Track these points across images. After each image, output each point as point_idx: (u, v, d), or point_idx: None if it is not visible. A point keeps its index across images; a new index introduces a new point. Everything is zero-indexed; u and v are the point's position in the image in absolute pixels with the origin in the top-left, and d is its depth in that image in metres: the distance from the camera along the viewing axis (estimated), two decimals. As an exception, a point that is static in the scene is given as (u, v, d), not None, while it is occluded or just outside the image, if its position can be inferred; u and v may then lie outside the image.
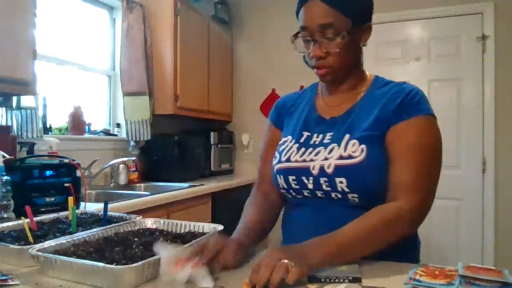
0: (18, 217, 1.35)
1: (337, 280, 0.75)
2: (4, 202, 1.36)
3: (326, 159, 0.97)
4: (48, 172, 1.54)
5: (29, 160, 1.59)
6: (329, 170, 0.96)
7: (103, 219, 1.17)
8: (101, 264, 0.75)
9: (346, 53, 0.98)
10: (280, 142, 1.12)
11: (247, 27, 3.79)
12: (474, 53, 3.05)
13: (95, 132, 2.74)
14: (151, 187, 2.71)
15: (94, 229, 1.03)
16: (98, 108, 2.93)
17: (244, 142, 3.77)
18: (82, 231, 1.03)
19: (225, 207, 2.77)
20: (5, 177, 1.37)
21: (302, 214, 1.05)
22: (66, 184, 1.55)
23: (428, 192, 0.94)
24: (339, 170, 0.95)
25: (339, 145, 0.98)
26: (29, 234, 0.96)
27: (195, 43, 3.14)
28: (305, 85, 1.24)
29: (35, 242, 0.93)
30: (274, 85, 3.64)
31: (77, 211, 1.23)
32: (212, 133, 3.38)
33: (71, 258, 0.79)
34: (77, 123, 2.52)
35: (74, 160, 1.65)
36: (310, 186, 1.00)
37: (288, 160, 1.04)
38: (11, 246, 0.91)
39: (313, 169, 0.98)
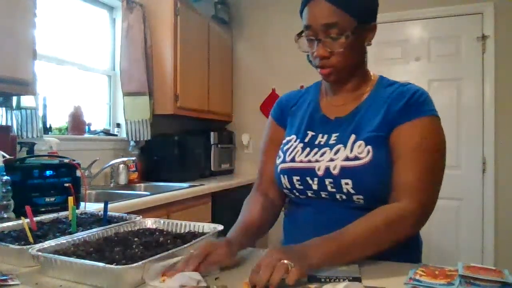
0: (18, 217, 1.35)
1: (337, 280, 0.75)
2: (4, 202, 1.36)
3: (332, 160, 0.97)
4: (48, 172, 1.54)
5: (29, 160, 1.59)
6: (335, 171, 0.95)
7: (103, 219, 1.17)
8: (101, 264, 0.75)
9: (350, 53, 0.97)
10: (284, 141, 1.11)
11: (247, 27, 3.79)
12: (474, 53, 3.05)
13: (95, 132, 2.74)
14: (151, 187, 2.71)
15: (94, 229, 1.03)
16: (98, 108, 2.93)
17: (244, 142, 3.77)
18: (82, 231, 1.03)
19: (225, 207, 2.77)
20: (5, 177, 1.37)
21: (304, 214, 1.04)
22: (66, 184, 1.55)
23: (431, 193, 0.93)
24: (345, 172, 0.94)
25: (345, 146, 0.97)
26: (29, 234, 0.96)
27: (195, 43, 3.14)
28: (305, 85, 1.24)
29: (35, 242, 0.93)
30: (274, 85, 3.64)
31: (77, 211, 1.23)
32: (212, 133, 3.38)
33: (71, 258, 0.79)
34: (77, 123, 2.52)
35: (74, 160, 1.65)
36: (315, 186, 0.99)
37: (292, 160, 1.03)
38: (11, 246, 0.90)
39: (318, 170, 0.98)
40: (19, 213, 1.36)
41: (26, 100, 2.04)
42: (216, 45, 3.47)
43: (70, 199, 1.16)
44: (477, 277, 0.73)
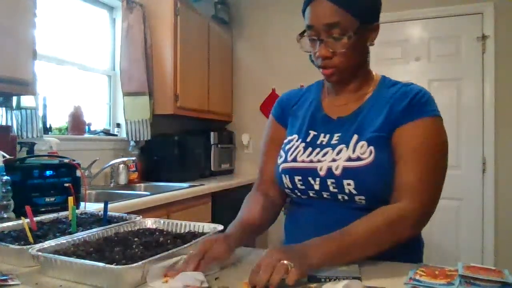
0: (18, 217, 1.36)
1: (337, 280, 0.75)
2: (4, 202, 1.36)
3: (334, 160, 0.97)
4: (48, 172, 1.54)
5: (29, 160, 1.59)
6: (337, 172, 0.95)
7: (103, 219, 1.17)
8: (101, 264, 0.75)
9: (352, 53, 0.97)
10: (285, 141, 1.10)
11: (247, 27, 3.79)
12: (474, 53, 3.05)
13: (95, 132, 2.74)
14: (151, 187, 2.71)
15: (94, 229, 1.03)
16: (98, 108, 2.93)
17: (244, 142, 3.77)
18: (82, 231, 1.03)
19: (225, 207, 2.77)
20: (5, 177, 1.37)
21: (306, 214, 1.04)
22: (66, 184, 1.55)
23: (433, 194, 0.93)
24: (347, 172, 0.94)
25: (347, 147, 0.97)
26: (29, 234, 0.96)
27: (195, 43, 3.14)
28: (305, 85, 1.23)
29: (35, 242, 0.93)
30: (274, 85, 3.64)
31: (77, 211, 1.23)
32: (212, 133, 3.38)
33: (71, 258, 0.79)
34: (77, 123, 2.52)
35: (74, 160, 1.65)
36: (317, 187, 0.99)
37: (294, 160, 1.03)
38: (11, 246, 0.91)
39: (320, 170, 0.98)
40: (19, 213, 1.36)
41: (26, 100, 2.04)
42: (216, 45, 3.47)
43: (70, 199, 1.16)
44: (477, 277, 0.73)
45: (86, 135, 2.60)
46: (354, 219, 0.88)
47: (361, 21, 0.95)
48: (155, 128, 2.92)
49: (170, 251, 0.83)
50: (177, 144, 2.92)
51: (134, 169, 2.77)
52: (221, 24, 3.60)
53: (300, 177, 1.01)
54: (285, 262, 0.72)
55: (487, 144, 3.01)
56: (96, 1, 2.87)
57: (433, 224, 0.93)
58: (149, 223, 1.13)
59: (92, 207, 1.49)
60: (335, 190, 0.97)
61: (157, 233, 1.03)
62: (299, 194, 1.04)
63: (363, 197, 0.95)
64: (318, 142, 1.03)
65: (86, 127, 2.62)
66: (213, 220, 2.61)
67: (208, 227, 1.06)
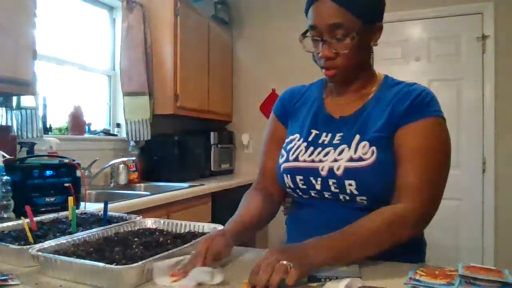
0: (18, 217, 1.36)
1: (338, 279, 0.75)
2: (4, 202, 1.36)
3: (335, 160, 0.96)
4: (48, 172, 1.54)
5: (29, 160, 1.59)
6: (339, 172, 0.95)
7: (103, 219, 1.17)
8: (101, 264, 0.75)
9: (355, 54, 0.96)
10: (287, 140, 1.10)
11: (247, 27, 3.79)
12: (474, 53, 3.05)
13: (95, 132, 2.74)
14: (151, 187, 2.71)
15: (94, 229, 1.03)
16: (98, 108, 2.93)
17: (244, 142, 3.77)
18: (82, 231, 1.03)
19: (225, 207, 2.77)
20: (5, 177, 1.37)
21: (307, 214, 1.04)
22: (66, 184, 1.55)
23: (434, 195, 0.92)
24: (349, 173, 0.94)
25: (349, 147, 0.97)
26: (29, 234, 0.96)
27: (195, 43, 3.14)
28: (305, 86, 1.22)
29: (35, 242, 0.93)
30: (274, 85, 3.64)
31: (77, 211, 1.23)
32: (212, 133, 3.38)
33: (71, 258, 0.79)
34: (77, 123, 2.52)
35: (74, 160, 1.65)
36: (318, 187, 0.99)
37: (296, 159, 1.03)
38: (11, 246, 0.91)
39: (322, 170, 0.97)
40: (19, 213, 1.36)
41: (26, 100, 2.04)
42: (216, 45, 3.47)
43: (70, 199, 1.16)
44: (477, 277, 0.73)
45: (86, 135, 2.60)
46: (356, 219, 0.88)
47: (365, 21, 0.94)
48: (155, 128, 2.92)
49: (170, 251, 0.83)
50: (177, 144, 2.92)
51: (134, 169, 2.77)
52: (221, 24, 3.60)
53: (301, 177, 1.01)
54: (285, 262, 0.72)
55: (487, 144, 3.01)
56: (96, 1, 2.87)
57: (433, 224, 0.93)
58: (149, 223, 1.13)
59: (92, 207, 1.50)
60: (337, 190, 0.96)
61: (157, 233, 1.03)
62: (300, 193, 1.04)
63: (364, 198, 0.94)
64: (320, 141, 1.03)
65: (86, 127, 2.63)
66: (213, 220, 2.61)
67: (208, 227, 1.06)
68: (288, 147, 1.07)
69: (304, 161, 1.01)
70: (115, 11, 3.02)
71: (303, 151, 1.03)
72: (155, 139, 2.92)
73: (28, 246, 0.87)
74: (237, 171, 3.79)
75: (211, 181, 3.01)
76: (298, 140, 1.06)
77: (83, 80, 2.75)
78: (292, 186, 1.04)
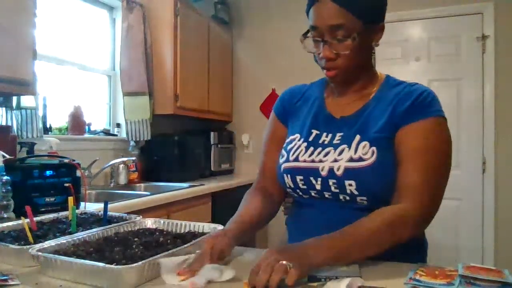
0: (18, 217, 1.36)
1: (339, 278, 0.75)
2: (4, 202, 1.36)
3: (335, 160, 0.96)
4: (48, 172, 1.54)
5: (29, 160, 1.59)
6: (339, 172, 0.95)
7: (103, 219, 1.17)
8: (101, 264, 0.75)
9: (356, 55, 0.95)
10: (287, 140, 1.10)
11: (247, 27, 3.79)
12: (474, 53, 3.05)
13: (95, 132, 2.74)
14: (151, 187, 2.71)
15: (94, 229, 1.03)
16: (98, 108, 2.93)
17: (244, 142, 3.77)
18: (82, 231, 1.03)
19: (225, 207, 2.77)
20: (5, 177, 1.37)
21: (308, 214, 1.04)
22: (66, 184, 1.55)
23: (434, 195, 0.92)
24: (349, 173, 0.94)
25: (349, 147, 0.96)
26: (29, 234, 0.96)
27: (195, 43, 3.14)
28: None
29: (35, 242, 0.93)
30: (274, 85, 3.64)
31: (77, 211, 1.23)
32: (212, 133, 3.38)
33: (71, 258, 0.79)
34: (77, 123, 2.52)
35: (74, 160, 1.65)
36: (318, 187, 0.99)
37: (296, 159, 1.03)
38: (11, 246, 0.91)
39: (322, 170, 0.97)
40: (19, 213, 1.36)
41: (26, 100, 2.04)
42: (216, 45, 3.47)
43: (70, 199, 1.16)
44: (477, 277, 0.73)
45: (86, 135, 2.60)
46: (356, 219, 0.88)
47: (366, 22, 0.94)
48: (155, 128, 2.92)
49: (170, 251, 0.83)
50: (177, 144, 2.92)
51: (134, 169, 2.77)
52: (221, 24, 3.60)
53: (301, 177, 1.01)
54: (284, 262, 0.72)
55: (487, 144, 3.01)
56: (96, 1, 2.87)
57: (433, 224, 0.93)
58: (149, 223, 1.13)
59: (92, 207, 1.50)
60: (337, 191, 0.96)
61: (157, 233, 1.03)
62: (301, 193, 1.04)
63: (364, 198, 0.94)
64: (320, 141, 1.02)
65: (86, 127, 2.63)
66: (213, 220, 2.61)
67: (208, 227, 1.06)
68: (289, 147, 1.07)
69: (304, 161, 1.01)
70: (115, 11, 3.02)
71: (303, 151, 1.03)
72: (155, 139, 2.92)
73: (28, 246, 0.87)
74: (237, 171, 3.79)
75: (211, 181, 3.01)
76: (299, 140, 1.06)
77: (83, 80, 2.75)
78: (292, 186, 1.04)
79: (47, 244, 0.88)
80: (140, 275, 0.77)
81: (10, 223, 1.10)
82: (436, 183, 0.93)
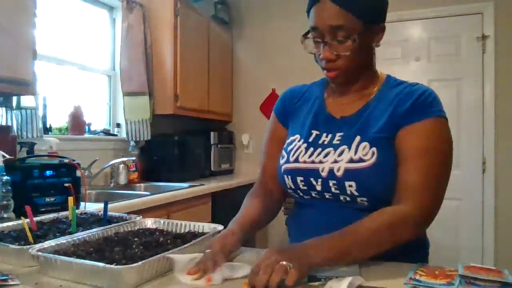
0: (18, 217, 1.36)
1: (340, 278, 0.75)
2: (4, 202, 1.36)
3: (336, 161, 0.96)
4: (48, 172, 1.54)
5: (29, 160, 1.59)
6: (339, 173, 0.95)
7: (103, 219, 1.17)
8: (101, 264, 0.75)
9: (357, 56, 0.95)
10: (287, 141, 1.10)
11: (247, 27, 3.79)
12: (474, 53, 3.05)
13: (95, 132, 2.74)
14: (151, 187, 2.71)
15: (94, 229, 1.03)
16: (98, 108, 2.93)
17: (244, 142, 3.77)
18: (82, 231, 1.03)
19: (225, 207, 2.77)
20: (5, 177, 1.37)
21: (309, 215, 1.04)
22: (66, 184, 1.55)
23: (434, 195, 0.92)
24: (349, 174, 0.94)
25: (349, 147, 0.96)
26: (29, 234, 0.96)
27: (195, 43, 3.14)
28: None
29: (35, 242, 0.93)
30: (274, 85, 3.64)
31: (77, 211, 1.23)
32: (212, 133, 3.38)
33: (71, 258, 0.79)
34: (77, 123, 2.52)
35: (74, 160, 1.65)
36: (319, 187, 0.99)
37: (296, 160, 1.03)
38: (11, 246, 0.91)
39: (322, 171, 0.97)
40: (19, 213, 1.36)
41: (26, 100, 2.04)
42: (216, 45, 3.47)
43: (70, 199, 1.16)
44: (477, 277, 0.73)
45: (86, 135, 2.60)
46: (356, 220, 0.88)
47: (366, 23, 0.93)
48: (155, 128, 2.92)
49: (170, 251, 0.83)
50: (177, 144, 2.92)
51: (134, 169, 2.77)
52: (221, 24, 3.60)
53: (302, 178, 1.01)
54: (284, 262, 0.72)
55: (487, 144, 3.01)
56: (96, 1, 2.87)
57: (433, 224, 0.93)
58: (149, 223, 1.13)
59: (92, 207, 1.49)
60: (337, 191, 0.96)
61: (157, 233, 1.03)
62: (301, 194, 1.04)
63: (365, 199, 0.94)
64: (320, 142, 1.02)
65: (86, 127, 2.63)
66: (213, 220, 2.61)
67: (208, 227, 1.06)
68: (289, 148, 1.07)
69: (305, 162, 1.01)
70: (115, 11, 3.02)
71: (303, 152, 1.03)
72: (155, 139, 2.92)
73: (28, 246, 0.87)
74: (237, 171, 3.79)
75: (211, 181, 3.01)
76: (299, 141, 1.06)
77: (83, 80, 2.75)
78: (293, 187, 1.04)
79: (47, 244, 0.88)
80: (140, 275, 0.77)
81: (10, 223, 1.10)
82: (436, 183, 0.93)
